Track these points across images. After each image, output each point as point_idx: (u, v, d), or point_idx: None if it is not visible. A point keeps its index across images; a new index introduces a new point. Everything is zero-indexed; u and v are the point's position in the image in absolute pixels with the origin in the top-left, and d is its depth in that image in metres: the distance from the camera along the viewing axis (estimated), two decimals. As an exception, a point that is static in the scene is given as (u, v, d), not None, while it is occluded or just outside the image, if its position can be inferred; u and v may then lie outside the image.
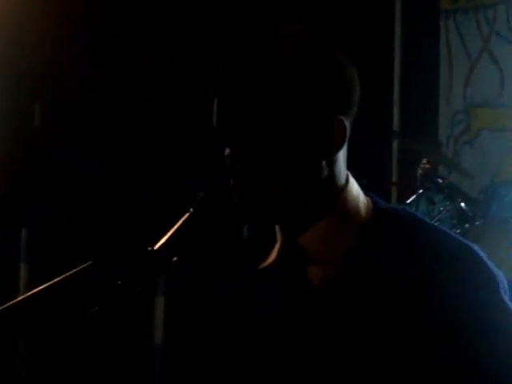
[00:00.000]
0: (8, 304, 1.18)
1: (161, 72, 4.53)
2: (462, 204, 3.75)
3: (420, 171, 3.88)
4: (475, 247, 1.34)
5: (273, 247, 1.40)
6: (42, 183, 4.32)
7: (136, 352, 3.90)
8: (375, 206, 1.37)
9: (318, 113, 1.32)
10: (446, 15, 4.76)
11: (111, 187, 4.40)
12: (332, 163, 1.34)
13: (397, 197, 4.36)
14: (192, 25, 4.53)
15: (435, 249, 1.31)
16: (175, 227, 1.28)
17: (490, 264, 1.33)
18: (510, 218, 3.71)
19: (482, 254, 1.33)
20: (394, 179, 4.60)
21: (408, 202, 3.76)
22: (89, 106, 4.51)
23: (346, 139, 1.34)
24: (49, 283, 1.23)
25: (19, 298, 1.22)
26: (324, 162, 1.33)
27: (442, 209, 3.74)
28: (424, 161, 3.90)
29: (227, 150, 1.32)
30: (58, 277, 1.25)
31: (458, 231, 3.61)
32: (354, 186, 1.37)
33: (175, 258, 1.27)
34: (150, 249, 1.25)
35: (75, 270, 1.21)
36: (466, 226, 3.69)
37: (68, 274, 1.21)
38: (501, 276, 1.32)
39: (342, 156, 1.36)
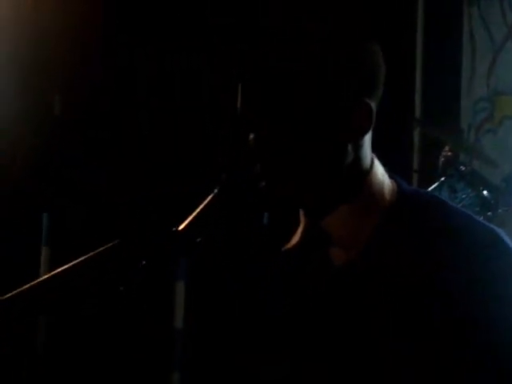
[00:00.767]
0: (33, 282, 1.18)
1: (174, 77, 4.55)
2: (485, 192, 3.73)
3: (442, 159, 3.86)
4: (501, 232, 1.33)
5: (296, 229, 1.40)
6: (64, 167, 4.34)
7: (156, 337, 3.91)
8: (400, 189, 1.37)
9: (342, 96, 1.30)
10: (469, 2, 4.72)
11: (135, 169, 4.42)
12: (358, 147, 1.33)
13: (418, 184, 4.34)
14: (206, 30, 4.53)
15: (460, 232, 1.30)
16: (199, 208, 1.28)
17: None
18: (533, 206, 3.69)
19: (507, 238, 1.32)
20: (416, 167, 4.58)
21: (429, 189, 3.74)
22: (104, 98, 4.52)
23: (373, 122, 1.33)
24: (73, 262, 1.23)
25: (44, 277, 1.22)
26: (350, 147, 1.32)
27: (464, 196, 3.72)
28: (446, 148, 3.88)
29: (252, 135, 1.31)
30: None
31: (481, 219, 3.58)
32: (379, 170, 1.37)
33: (199, 239, 1.27)
34: (174, 229, 1.25)
35: (100, 249, 1.21)
36: (489, 213, 3.67)
37: (93, 253, 1.21)
38: None
39: (367, 139, 1.35)
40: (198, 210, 1.29)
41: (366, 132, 1.33)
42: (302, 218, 1.38)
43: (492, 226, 1.34)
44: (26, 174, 4.31)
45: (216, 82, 4.34)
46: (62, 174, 4.29)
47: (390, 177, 1.38)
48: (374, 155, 1.37)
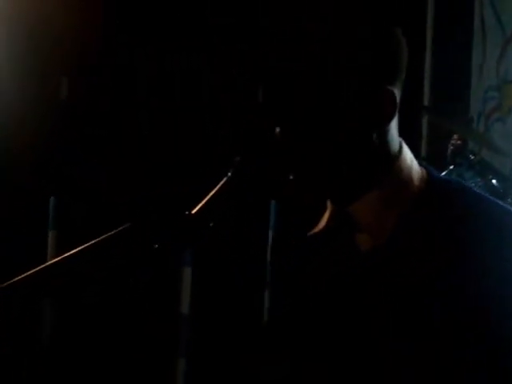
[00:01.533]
0: (45, 264, 1.17)
1: (175, 76, 4.54)
2: (494, 181, 3.71)
3: (451, 147, 3.84)
4: None
5: (323, 213, 1.38)
6: (71, 152, 4.33)
7: (162, 323, 3.91)
8: (429, 176, 1.35)
9: (364, 84, 1.29)
10: (480, -10, 4.69)
11: (145, 151, 4.41)
12: (384, 133, 1.31)
13: (426, 173, 4.32)
14: (206, 30, 4.51)
15: (489, 220, 1.28)
16: (213, 192, 1.27)
17: None
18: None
19: None
20: (424, 155, 4.56)
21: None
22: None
23: (397, 109, 1.31)
24: (82, 246, 1.22)
25: (51, 261, 1.21)
26: (375, 134, 1.30)
27: (473, 185, 3.69)
28: (455, 136, 3.85)
29: (277, 129, 1.29)
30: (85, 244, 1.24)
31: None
32: (408, 155, 1.34)
33: (212, 224, 1.25)
34: (187, 213, 1.23)
35: (112, 232, 1.19)
36: (498, 202, 3.65)
37: (104, 236, 1.19)
38: None
39: (394, 124, 1.32)
40: (210, 193, 1.27)
41: (390, 119, 1.31)
42: (329, 203, 1.37)
43: None
44: (33, 158, 4.30)
45: (216, 81, 4.34)
46: (69, 161, 4.28)
47: (420, 164, 1.36)
48: (402, 140, 1.35)
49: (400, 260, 1.29)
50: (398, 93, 1.31)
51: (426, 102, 4.71)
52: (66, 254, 1.21)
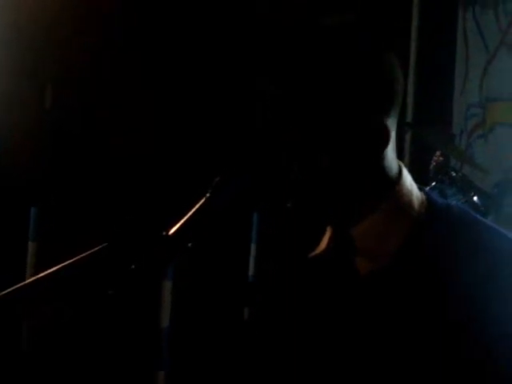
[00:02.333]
0: (19, 285, 1.16)
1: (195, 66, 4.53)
2: (475, 198, 3.72)
3: (433, 163, 3.85)
4: None
5: (323, 235, 1.38)
6: (53, 162, 4.31)
7: (143, 336, 3.89)
8: (428, 200, 1.34)
9: (356, 115, 1.28)
10: (464, 6, 4.71)
11: (126, 167, 4.39)
12: (380, 159, 1.30)
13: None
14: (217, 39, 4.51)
15: (488, 247, 1.28)
16: (191, 212, 1.26)
17: None
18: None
19: None
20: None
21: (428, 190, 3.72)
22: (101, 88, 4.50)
23: (389, 140, 1.30)
24: (61, 265, 1.21)
25: (31, 279, 1.20)
26: (371, 160, 1.30)
27: (454, 202, 3.71)
28: (437, 153, 3.86)
29: (283, 154, 1.29)
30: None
31: None
32: (408, 180, 1.34)
33: (190, 244, 1.24)
34: (164, 233, 1.22)
35: (89, 251, 1.19)
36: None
37: (81, 255, 1.19)
38: None
39: (390, 150, 1.32)
40: (188, 214, 1.27)
41: (383, 148, 1.30)
42: (329, 226, 1.37)
43: None
44: (15, 167, 4.28)
45: (207, 104, 4.34)
46: (51, 172, 4.26)
47: (419, 188, 1.36)
48: (401, 164, 1.35)
49: (400, 287, 1.28)
50: (393, 120, 1.30)
51: (408, 119, 4.72)
52: (43, 273, 1.20)
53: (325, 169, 1.29)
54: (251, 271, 4.19)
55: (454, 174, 3.79)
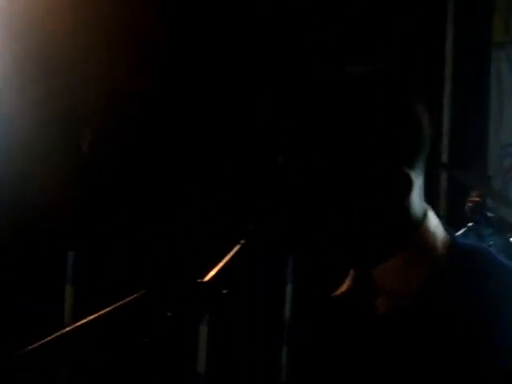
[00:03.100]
0: (58, 333, 1.17)
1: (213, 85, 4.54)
2: (511, 239, 3.70)
3: (469, 204, 3.83)
4: None
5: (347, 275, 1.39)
6: (91, 207, 4.35)
7: (179, 381, 3.88)
8: (453, 243, 1.34)
9: (379, 165, 1.29)
10: (497, 46, 4.72)
11: (162, 214, 4.42)
12: (403, 205, 1.31)
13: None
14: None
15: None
16: (226, 259, 1.27)
17: None
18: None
19: None
20: (443, 212, 4.55)
21: (456, 235, 3.70)
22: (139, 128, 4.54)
23: (412, 187, 1.29)
24: (99, 312, 1.22)
25: (69, 327, 1.21)
26: (393, 207, 1.30)
27: (491, 243, 3.69)
28: (473, 194, 3.85)
29: (296, 194, 1.30)
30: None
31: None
32: (432, 223, 1.34)
33: (225, 291, 1.26)
34: (200, 280, 1.24)
35: (126, 299, 1.20)
36: (516, 261, 3.62)
37: (119, 303, 1.20)
38: None
39: (415, 195, 1.31)
40: (224, 260, 1.28)
41: (403, 197, 1.30)
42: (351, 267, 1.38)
43: None
44: (53, 212, 4.32)
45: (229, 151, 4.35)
46: (90, 214, 4.30)
47: (445, 230, 1.36)
48: (428, 207, 1.35)
49: (418, 328, 1.29)
50: (419, 167, 1.30)
51: (444, 159, 4.71)
52: (80, 322, 1.22)
53: (348, 212, 1.30)
54: (287, 314, 4.18)
55: (490, 215, 3.77)
